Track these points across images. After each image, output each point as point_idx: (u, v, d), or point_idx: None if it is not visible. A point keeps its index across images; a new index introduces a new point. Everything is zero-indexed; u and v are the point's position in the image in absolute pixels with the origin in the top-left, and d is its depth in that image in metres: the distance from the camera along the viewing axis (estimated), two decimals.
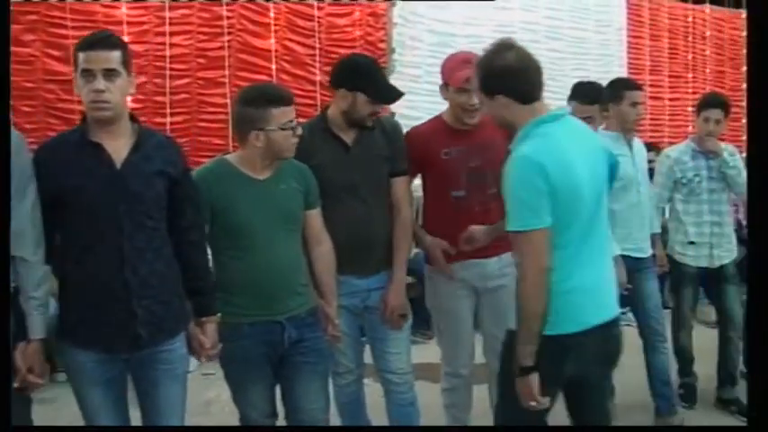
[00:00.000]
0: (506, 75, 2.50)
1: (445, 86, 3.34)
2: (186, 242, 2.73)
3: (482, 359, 3.54)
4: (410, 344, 3.41)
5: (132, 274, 2.54)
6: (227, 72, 6.23)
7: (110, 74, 2.49)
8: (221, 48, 6.22)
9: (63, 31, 5.73)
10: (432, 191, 3.45)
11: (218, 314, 2.80)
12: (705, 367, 4.64)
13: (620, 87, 4.19)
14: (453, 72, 3.28)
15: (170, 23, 6.03)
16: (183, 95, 6.13)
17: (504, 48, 2.53)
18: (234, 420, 3.07)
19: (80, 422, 2.72)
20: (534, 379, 2.47)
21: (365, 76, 3.17)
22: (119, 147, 2.57)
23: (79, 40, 2.62)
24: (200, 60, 6.20)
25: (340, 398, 3.40)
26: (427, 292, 3.57)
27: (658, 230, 4.49)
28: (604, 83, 8.24)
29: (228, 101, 6.14)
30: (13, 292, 2.52)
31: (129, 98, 2.67)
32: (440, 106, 3.50)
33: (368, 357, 3.47)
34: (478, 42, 7.14)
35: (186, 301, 2.75)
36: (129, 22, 5.85)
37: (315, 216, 3.04)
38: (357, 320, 3.31)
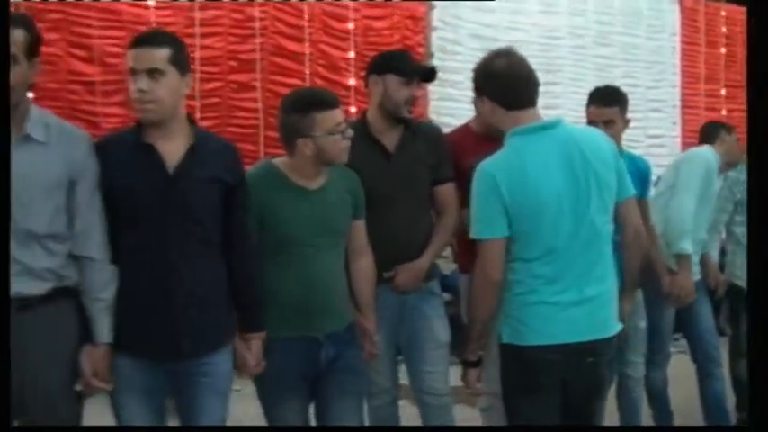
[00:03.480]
0: (492, 79, 2.73)
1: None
2: (238, 254, 2.72)
3: None
4: (449, 364, 3.39)
5: (178, 283, 2.57)
6: (258, 76, 6.28)
7: (154, 73, 2.51)
8: (253, 50, 6.27)
9: (87, 31, 5.82)
10: (461, 200, 3.43)
11: (265, 331, 2.80)
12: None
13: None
14: None
15: (200, 25, 6.08)
16: (214, 99, 6.19)
17: (499, 54, 2.77)
18: None
19: None
20: (474, 373, 2.88)
21: (392, 57, 3.31)
22: (173, 149, 2.58)
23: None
24: (232, 63, 6.25)
25: (374, 420, 3.39)
26: (462, 304, 3.54)
27: (712, 251, 4.43)
28: (656, 92, 8.22)
29: (260, 105, 6.23)
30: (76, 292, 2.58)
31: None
32: None
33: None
34: (523, 48, 7.17)
35: (231, 314, 2.75)
36: (157, 23, 5.90)
37: (360, 227, 3.06)
38: (393, 338, 3.31)
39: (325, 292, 2.88)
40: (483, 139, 3.37)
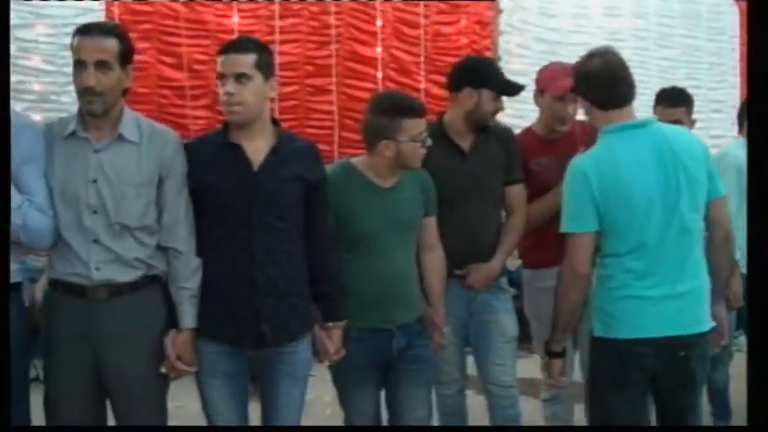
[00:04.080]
0: (586, 79, 2.71)
1: (541, 93, 3.41)
2: (318, 247, 2.78)
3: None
4: (516, 357, 3.38)
5: (261, 274, 2.63)
6: (334, 80, 6.35)
7: (241, 78, 2.58)
8: (329, 56, 6.35)
9: (176, 40, 5.98)
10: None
11: (345, 320, 2.84)
12: None
13: None
14: (554, 81, 3.33)
15: (280, 32, 6.19)
16: (292, 102, 6.28)
17: (594, 54, 2.74)
18: (333, 422, 3.10)
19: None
20: (557, 364, 2.88)
21: (488, 71, 3.28)
22: (258, 149, 2.66)
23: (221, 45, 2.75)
24: (309, 68, 6.34)
25: (442, 408, 3.39)
26: (525, 299, 3.57)
27: None
28: (717, 92, 8.00)
29: (335, 108, 6.29)
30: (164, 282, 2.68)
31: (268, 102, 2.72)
32: None
33: (473, 369, 3.45)
34: (587, 50, 7.08)
35: (312, 305, 2.80)
36: (240, 31, 6.02)
37: (431, 223, 3.06)
38: (463, 329, 3.30)
39: (396, 285, 2.91)
40: (546, 141, 3.42)
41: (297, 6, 6.26)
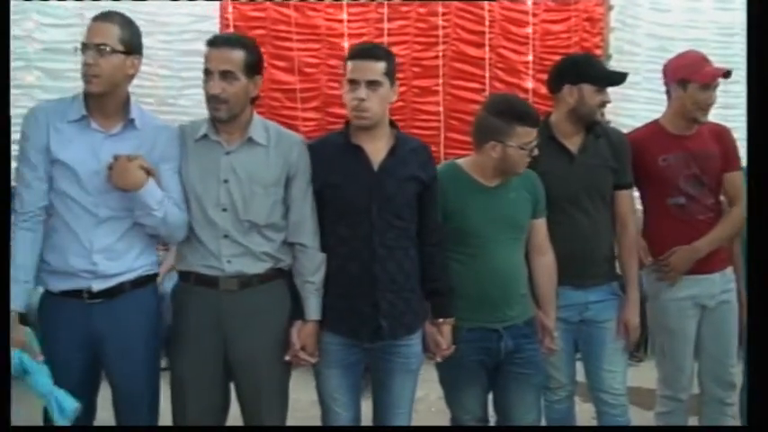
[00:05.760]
0: None
1: (681, 84, 3.20)
2: (429, 244, 2.82)
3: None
4: (627, 364, 3.25)
5: (381, 270, 2.69)
6: (441, 81, 6.33)
7: (372, 84, 2.63)
8: (436, 57, 6.33)
9: (288, 44, 6.07)
10: (650, 200, 3.32)
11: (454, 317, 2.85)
12: None
13: None
14: (700, 68, 3.17)
15: (388, 34, 6.21)
16: (399, 103, 6.21)
17: None
18: (439, 420, 3.07)
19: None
20: None
21: (585, 65, 3.16)
22: (377, 150, 2.71)
23: (351, 48, 2.81)
24: (416, 69, 6.35)
25: (550, 414, 3.28)
26: (651, 311, 3.40)
27: None
28: None
29: (441, 108, 6.26)
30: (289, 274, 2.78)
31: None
32: (658, 114, 3.38)
33: (580, 376, 3.34)
34: (700, 46, 6.79)
35: (424, 300, 2.83)
36: (349, 35, 6.08)
37: (540, 225, 3.00)
38: (572, 334, 3.19)
39: (503, 286, 2.87)
40: (675, 137, 3.25)
41: (405, 8, 6.27)
